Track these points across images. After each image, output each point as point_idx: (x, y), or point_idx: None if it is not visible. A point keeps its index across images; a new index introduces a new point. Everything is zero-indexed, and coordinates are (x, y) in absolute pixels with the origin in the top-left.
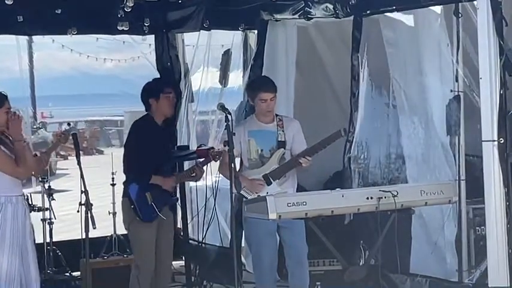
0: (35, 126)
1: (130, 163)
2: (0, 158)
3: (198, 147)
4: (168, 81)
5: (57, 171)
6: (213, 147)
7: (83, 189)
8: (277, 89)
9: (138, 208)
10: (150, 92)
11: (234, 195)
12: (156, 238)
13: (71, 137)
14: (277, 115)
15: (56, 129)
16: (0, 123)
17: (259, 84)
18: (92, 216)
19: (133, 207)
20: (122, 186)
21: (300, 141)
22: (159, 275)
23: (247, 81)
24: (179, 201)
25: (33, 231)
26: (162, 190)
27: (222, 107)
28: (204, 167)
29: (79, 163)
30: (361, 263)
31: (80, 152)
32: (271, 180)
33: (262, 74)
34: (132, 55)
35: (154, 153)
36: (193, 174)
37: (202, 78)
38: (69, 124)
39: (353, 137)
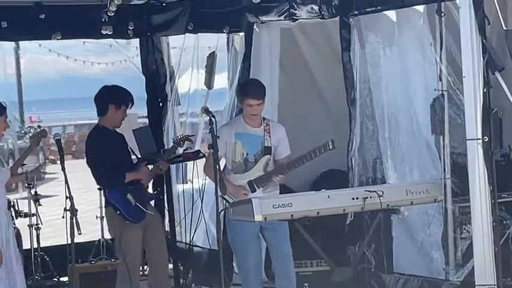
0: (22, 131)
1: (100, 174)
2: None
3: (184, 150)
4: (131, 95)
5: (46, 176)
6: (199, 150)
7: (68, 194)
8: (265, 95)
9: (124, 212)
10: (114, 98)
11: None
12: (147, 243)
13: (53, 141)
14: (264, 119)
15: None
16: None
17: (248, 89)
18: (77, 222)
19: (119, 213)
20: None
21: (284, 148)
22: (156, 279)
23: (239, 83)
24: (166, 204)
25: (20, 237)
26: (141, 189)
27: (206, 110)
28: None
29: (63, 169)
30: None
31: (69, 155)
32: (256, 188)
33: (250, 77)
34: (119, 58)
35: (118, 156)
36: (161, 168)
37: (191, 80)
38: (39, 127)
39: (354, 136)
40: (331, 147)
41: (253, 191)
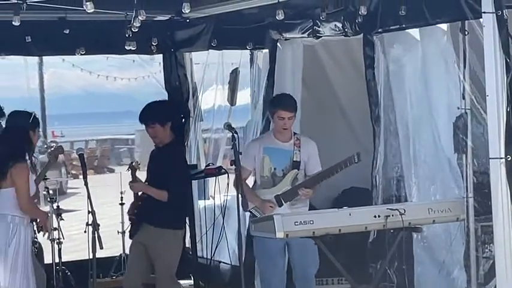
0: (45, 146)
1: None
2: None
3: (206, 166)
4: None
5: (68, 191)
6: (221, 166)
7: (90, 209)
8: (297, 109)
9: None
10: None
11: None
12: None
13: (75, 156)
14: (295, 133)
15: (68, 148)
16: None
17: (279, 101)
18: (99, 237)
19: None
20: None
21: (315, 163)
22: None
23: (270, 97)
24: (187, 220)
25: (42, 252)
26: (142, 205)
27: (229, 126)
28: None
29: (86, 184)
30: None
31: (91, 170)
32: (283, 202)
33: (274, 93)
34: (142, 74)
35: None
36: None
37: (216, 96)
38: (56, 143)
39: (378, 154)
40: (356, 160)
41: (280, 205)
